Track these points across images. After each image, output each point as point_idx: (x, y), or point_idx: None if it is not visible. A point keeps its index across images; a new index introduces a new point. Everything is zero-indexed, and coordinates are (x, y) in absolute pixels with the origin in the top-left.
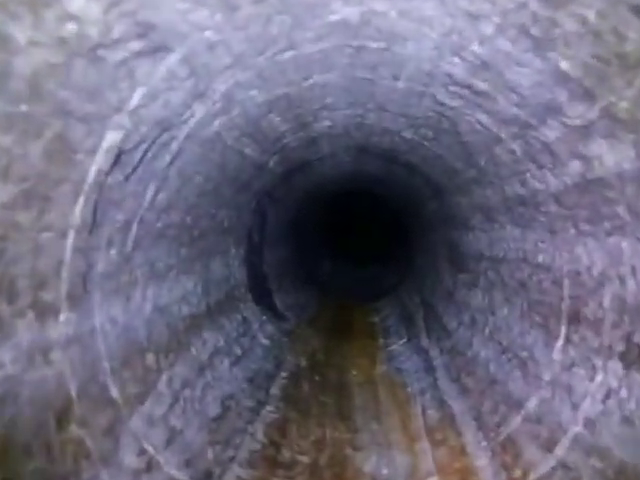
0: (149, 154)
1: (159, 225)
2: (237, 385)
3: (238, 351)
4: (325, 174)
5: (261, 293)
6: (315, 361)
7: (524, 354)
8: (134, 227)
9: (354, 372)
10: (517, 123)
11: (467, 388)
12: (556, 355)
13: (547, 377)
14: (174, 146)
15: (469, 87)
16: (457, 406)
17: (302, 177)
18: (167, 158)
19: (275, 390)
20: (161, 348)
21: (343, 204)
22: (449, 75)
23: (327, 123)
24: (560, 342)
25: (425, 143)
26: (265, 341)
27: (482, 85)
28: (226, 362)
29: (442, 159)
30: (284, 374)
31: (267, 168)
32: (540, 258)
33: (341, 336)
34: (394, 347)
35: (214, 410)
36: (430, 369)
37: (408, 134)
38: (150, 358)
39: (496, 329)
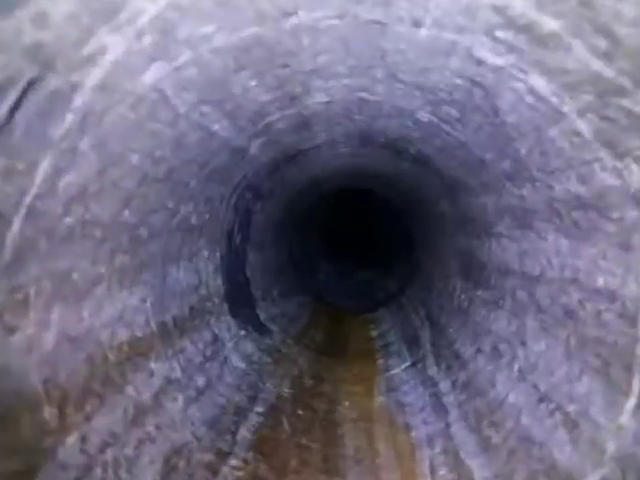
0: (25, 108)
1: (69, 221)
2: (192, 432)
3: (200, 382)
4: (322, 168)
5: (241, 303)
6: (301, 388)
7: (573, 409)
8: (15, 223)
9: (346, 403)
10: (596, 87)
11: (491, 443)
12: (626, 419)
13: (611, 448)
14: (79, 101)
15: (527, 30)
16: (478, 469)
17: (295, 170)
18: (69, 119)
19: (245, 432)
20: (71, 395)
21: (342, 203)
22: (500, 9)
23: (322, 98)
24: (632, 401)
25: (445, 127)
26: (240, 364)
27: (552, 24)
28: (180, 400)
29: (465, 148)
30: (260, 409)
31: (249, 154)
32: (600, 281)
33: (334, 354)
34: (395, 372)
35: (150, 475)
36: (440, 408)
37: (424, 115)
38: (49, 412)
39: (529, 367)
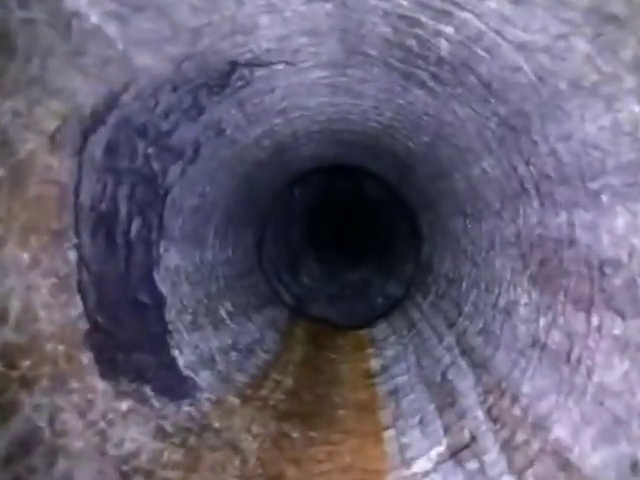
0: None
1: None
2: None
3: None
4: (285, 114)
5: (132, 344)
6: None
7: None
8: None
9: None
10: None
11: None
12: None
13: None
14: None
15: None
16: None
17: (236, 113)
18: None
19: None
20: None
21: (328, 184)
22: None
23: None
24: None
25: None
26: None
27: None
28: None
29: None
30: None
31: (87, 26)
32: None
33: (310, 417)
34: (422, 467)
35: None
36: None
37: None
38: None
39: None
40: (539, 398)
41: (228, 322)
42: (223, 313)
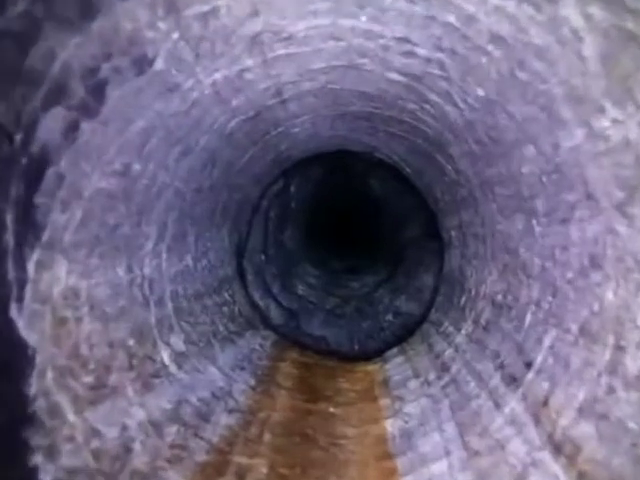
0: None
1: None
2: None
3: None
4: (257, 46)
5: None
6: None
7: None
8: None
9: None
10: None
11: None
12: None
13: None
14: None
15: None
16: None
17: (172, 33)
18: None
19: None
20: None
21: (332, 173)
22: None
23: None
24: None
25: None
26: None
27: None
28: None
29: None
30: None
31: None
32: None
33: None
34: None
35: None
36: None
37: None
38: None
39: None
40: None
41: (173, 370)
42: (165, 357)
